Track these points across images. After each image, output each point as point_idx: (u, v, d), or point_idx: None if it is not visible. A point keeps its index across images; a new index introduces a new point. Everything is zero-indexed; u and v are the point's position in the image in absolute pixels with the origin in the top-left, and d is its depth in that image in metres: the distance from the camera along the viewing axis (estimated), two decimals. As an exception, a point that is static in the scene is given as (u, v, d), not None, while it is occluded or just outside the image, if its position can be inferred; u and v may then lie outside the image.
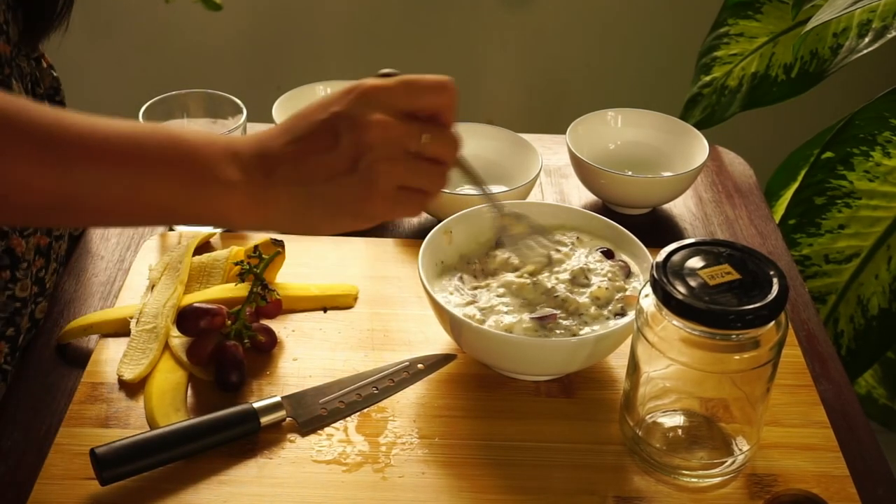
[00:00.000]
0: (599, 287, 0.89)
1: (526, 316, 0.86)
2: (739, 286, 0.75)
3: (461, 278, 0.91)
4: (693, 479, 0.81)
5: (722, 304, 0.74)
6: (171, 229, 1.06)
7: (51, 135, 0.67)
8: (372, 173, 0.71)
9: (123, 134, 0.70)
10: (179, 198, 0.71)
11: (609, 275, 0.90)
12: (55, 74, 1.02)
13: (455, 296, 0.90)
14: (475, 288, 0.90)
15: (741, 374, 0.78)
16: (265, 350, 0.91)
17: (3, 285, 0.88)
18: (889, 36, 1.43)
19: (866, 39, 1.47)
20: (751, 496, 0.80)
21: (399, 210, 0.75)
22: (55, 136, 0.67)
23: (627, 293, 0.89)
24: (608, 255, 0.93)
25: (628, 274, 0.91)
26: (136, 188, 0.69)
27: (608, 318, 0.87)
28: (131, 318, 0.92)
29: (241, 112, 1.07)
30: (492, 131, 1.15)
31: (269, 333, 0.91)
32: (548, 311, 0.87)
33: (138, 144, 0.70)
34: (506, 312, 0.87)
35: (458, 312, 0.86)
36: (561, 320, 0.87)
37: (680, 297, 0.74)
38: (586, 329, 0.86)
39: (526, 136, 1.15)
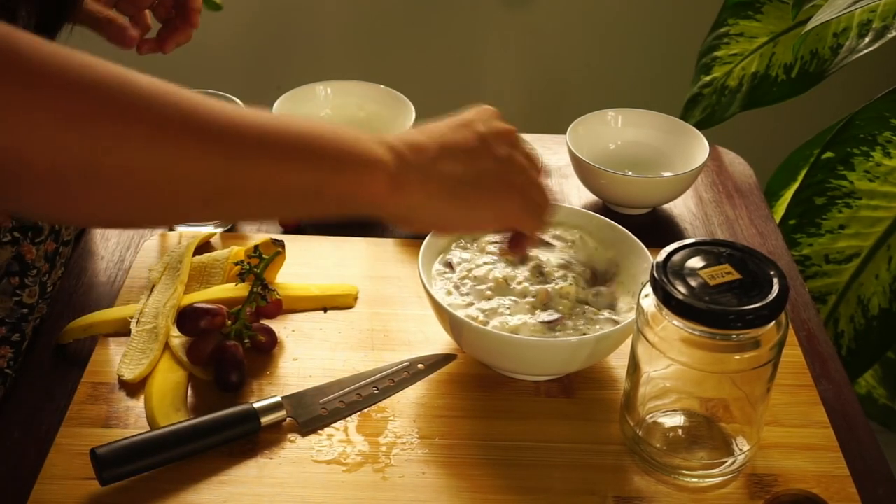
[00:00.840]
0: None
1: (532, 319, 0.86)
2: (740, 286, 0.75)
3: (448, 264, 0.92)
4: (693, 479, 0.81)
5: (722, 304, 0.74)
6: (172, 230, 1.06)
7: (215, 125, 0.65)
8: (512, 164, 0.78)
9: (268, 122, 0.68)
10: (327, 179, 0.69)
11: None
12: None
13: (454, 296, 0.89)
14: (465, 277, 0.91)
15: (741, 374, 0.78)
16: (265, 350, 0.91)
17: (12, 291, 0.89)
18: (889, 36, 1.43)
19: (866, 39, 1.47)
20: (751, 496, 0.80)
21: (529, 210, 0.79)
22: (220, 125, 0.65)
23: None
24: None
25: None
26: (284, 171, 0.67)
27: (614, 319, 0.87)
28: (131, 318, 0.92)
29: None
30: (492, 131, 1.15)
31: (270, 333, 0.91)
32: (555, 314, 0.87)
33: (283, 129, 0.68)
34: (508, 314, 0.87)
35: (461, 314, 0.86)
36: (566, 321, 0.87)
37: (680, 297, 0.74)
38: (594, 328, 0.86)
39: (526, 136, 1.14)
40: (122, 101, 0.61)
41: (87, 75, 0.60)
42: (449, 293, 0.90)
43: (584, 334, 0.85)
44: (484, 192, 0.76)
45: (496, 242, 0.93)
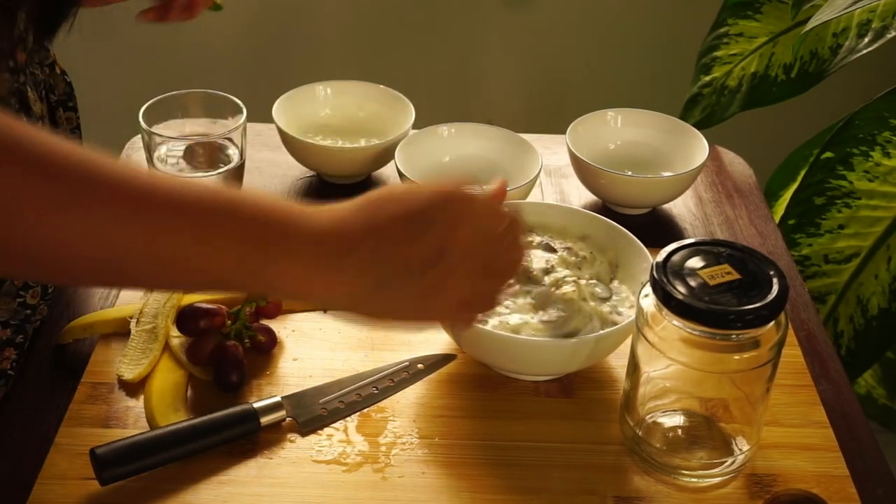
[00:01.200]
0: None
1: (534, 318, 0.86)
2: (739, 286, 0.75)
3: None
4: (693, 479, 0.81)
5: (722, 304, 0.74)
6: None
7: (118, 188, 0.62)
8: (444, 281, 0.71)
9: (189, 190, 0.64)
10: (239, 261, 0.65)
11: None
12: (68, 80, 1.02)
13: None
14: None
15: (741, 374, 0.78)
16: (265, 350, 0.91)
17: (15, 293, 0.88)
18: (889, 36, 1.43)
19: (866, 39, 1.47)
20: (751, 496, 0.80)
21: (464, 315, 0.77)
22: (122, 190, 0.62)
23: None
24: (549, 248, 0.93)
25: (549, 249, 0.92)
26: (201, 249, 0.64)
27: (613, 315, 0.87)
28: (131, 318, 0.92)
29: (241, 112, 1.07)
30: (492, 131, 1.15)
31: (269, 333, 0.91)
32: (555, 314, 0.87)
33: (206, 205, 0.64)
34: (508, 313, 0.87)
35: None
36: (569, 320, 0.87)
37: (680, 297, 0.74)
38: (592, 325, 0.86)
39: (526, 136, 1.15)
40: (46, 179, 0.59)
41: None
42: None
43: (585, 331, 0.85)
44: (410, 298, 0.71)
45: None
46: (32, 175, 0.59)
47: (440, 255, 0.70)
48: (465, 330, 0.80)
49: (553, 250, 0.93)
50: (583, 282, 0.89)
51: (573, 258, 0.92)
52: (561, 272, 0.90)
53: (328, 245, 0.67)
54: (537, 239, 0.93)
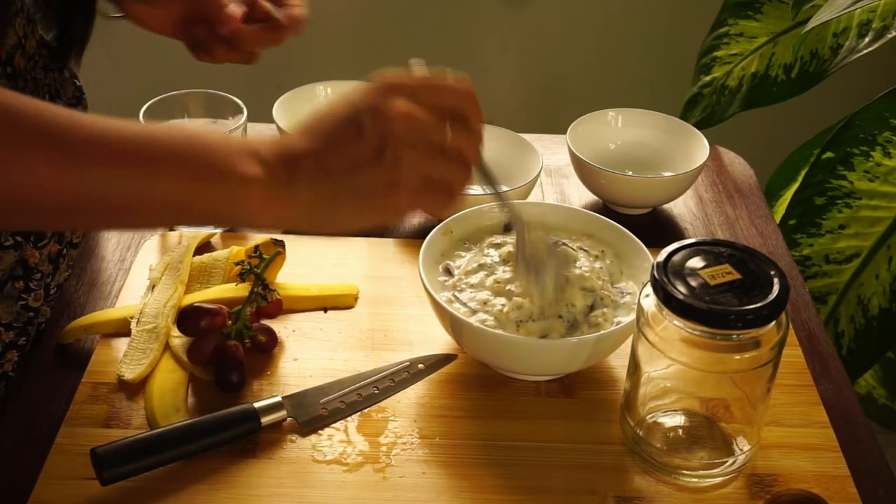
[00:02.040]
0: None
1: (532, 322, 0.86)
2: (740, 286, 0.75)
3: (447, 268, 0.92)
4: (693, 479, 0.81)
5: (722, 304, 0.74)
6: (172, 230, 1.06)
7: (63, 135, 0.66)
8: (397, 162, 0.70)
9: (137, 132, 0.69)
10: (195, 194, 0.69)
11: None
12: (78, 83, 1.02)
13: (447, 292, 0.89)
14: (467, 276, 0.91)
15: (742, 374, 0.78)
16: (266, 350, 0.91)
17: (17, 295, 0.88)
18: (889, 36, 1.43)
19: (866, 39, 1.47)
20: (751, 496, 0.80)
21: (425, 203, 0.73)
22: (68, 136, 0.66)
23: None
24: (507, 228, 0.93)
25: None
26: (151, 185, 0.68)
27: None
28: (132, 318, 0.92)
29: (241, 112, 1.07)
30: (492, 131, 1.14)
31: (270, 333, 0.91)
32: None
33: (153, 142, 0.69)
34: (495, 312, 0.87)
35: (456, 311, 0.86)
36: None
37: (680, 297, 0.74)
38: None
39: (526, 136, 1.15)
40: None
41: None
42: (451, 301, 0.89)
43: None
44: (366, 197, 0.71)
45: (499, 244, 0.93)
46: None
47: (385, 137, 0.70)
48: (440, 216, 0.77)
49: (569, 248, 0.93)
50: (601, 282, 0.89)
51: (594, 255, 0.92)
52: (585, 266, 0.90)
53: (277, 167, 0.70)
54: (551, 239, 0.93)
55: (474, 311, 0.87)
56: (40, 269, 0.90)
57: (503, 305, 0.87)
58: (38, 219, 0.72)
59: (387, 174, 0.70)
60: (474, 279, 0.90)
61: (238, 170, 0.69)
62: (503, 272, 0.90)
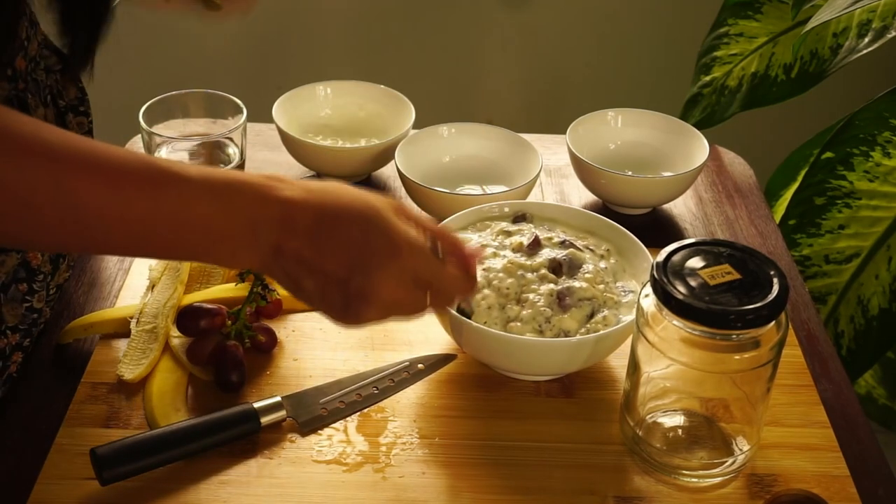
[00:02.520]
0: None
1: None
2: (740, 286, 0.75)
3: None
4: (693, 479, 0.81)
5: (722, 304, 0.74)
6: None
7: (61, 165, 0.67)
8: (355, 316, 0.75)
9: (141, 174, 0.69)
10: (187, 248, 0.72)
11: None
12: (80, 85, 1.02)
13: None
14: None
15: (741, 374, 0.78)
16: (265, 350, 0.91)
17: (21, 298, 0.88)
18: (889, 36, 1.43)
19: (866, 39, 1.47)
20: (751, 496, 0.80)
21: (384, 318, 0.77)
22: (64, 164, 0.67)
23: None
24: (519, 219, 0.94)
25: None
26: (141, 246, 0.72)
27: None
28: (131, 318, 0.92)
29: (241, 112, 1.07)
30: (492, 131, 1.15)
31: (270, 333, 0.91)
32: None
33: (156, 189, 0.69)
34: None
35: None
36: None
37: (680, 297, 0.74)
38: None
39: (526, 136, 1.15)
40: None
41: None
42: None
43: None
44: (327, 309, 0.76)
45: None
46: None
47: (354, 301, 0.73)
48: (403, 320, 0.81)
49: (577, 248, 0.92)
50: (603, 286, 0.89)
51: (600, 254, 0.92)
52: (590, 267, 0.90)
53: (269, 246, 0.72)
54: (559, 237, 0.93)
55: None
56: (42, 271, 0.90)
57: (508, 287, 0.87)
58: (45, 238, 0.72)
59: (344, 313, 0.75)
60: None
61: (232, 240, 0.71)
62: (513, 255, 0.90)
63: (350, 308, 0.74)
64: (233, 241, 0.71)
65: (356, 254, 0.73)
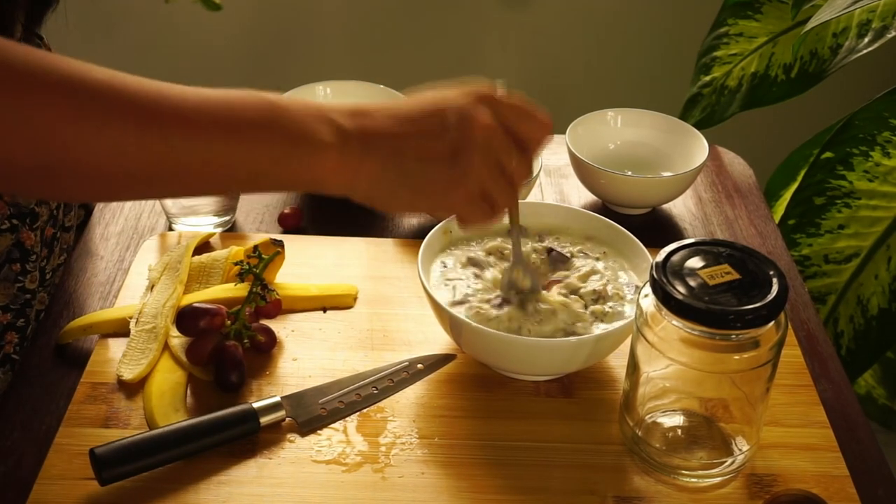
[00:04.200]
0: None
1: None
2: (739, 286, 0.75)
3: (443, 264, 0.92)
4: (693, 479, 0.81)
5: (722, 304, 0.74)
6: (172, 227, 1.06)
7: (146, 103, 0.67)
8: (468, 167, 0.74)
9: (217, 99, 0.70)
10: (272, 160, 0.71)
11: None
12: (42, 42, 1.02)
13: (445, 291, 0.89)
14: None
15: (741, 374, 0.78)
16: (265, 350, 0.91)
17: (14, 278, 0.89)
18: (889, 36, 1.43)
19: (866, 39, 1.47)
20: (750, 496, 0.80)
21: (473, 212, 0.77)
22: (151, 104, 0.67)
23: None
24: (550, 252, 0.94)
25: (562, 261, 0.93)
26: (230, 151, 0.70)
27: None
28: (131, 318, 0.92)
29: None
30: (491, 131, 1.15)
31: (269, 333, 0.91)
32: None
33: (231, 108, 0.70)
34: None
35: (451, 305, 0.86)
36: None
37: (680, 297, 0.74)
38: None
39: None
40: (75, 99, 0.65)
41: (47, 77, 0.64)
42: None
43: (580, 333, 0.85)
44: (427, 189, 0.75)
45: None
46: (61, 96, 0.65)
47: (465, 142, 0.74)
48: (474, 227, 0.81)
49: (565, 258, 0.93)
50: (611, 286, 0.90)
51: (597, 257, 0.93)
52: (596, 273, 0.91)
53: (353, 138, 0.72)
54: (544, 245, 0.94)
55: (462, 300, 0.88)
56: (35, 251, 0.91)
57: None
58: (124, 188, 0.73)
59: (454, 174, 0.74)
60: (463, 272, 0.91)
61: (316, 137, 0.71)
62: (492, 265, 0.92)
63: (460, 159, 0.74)
64: (315, 143, 0.71)
65: (441, 104, 0.74)
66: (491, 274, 0.91)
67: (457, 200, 0.76)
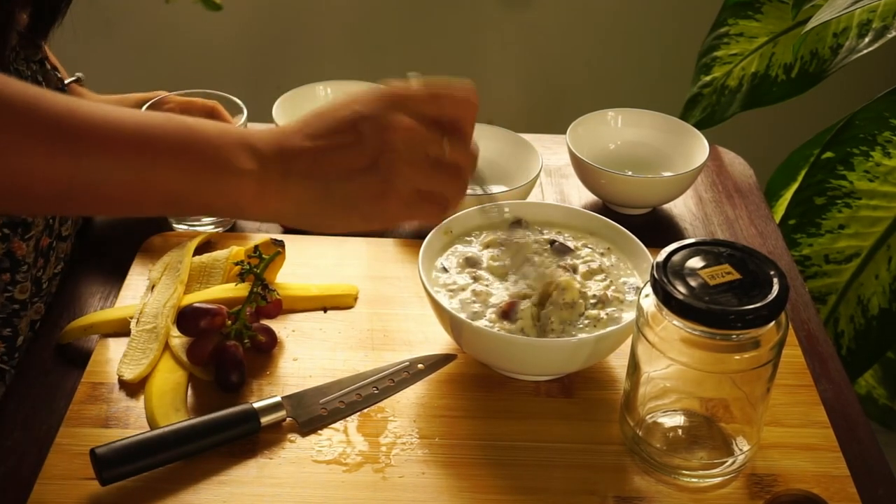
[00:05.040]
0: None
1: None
2: (740, 286, 0.75)
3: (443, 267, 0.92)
4: (693, 480, 0.81)
5: (722, 304, 0.74)
6: (172, 227, 1.06)
7: (62, 123, 0.66)
8: (391, 173, 0.72)
9: (135, 122, 0.69)
10: (190, 185, 0.70)
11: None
12: (59, 76, 1.02)
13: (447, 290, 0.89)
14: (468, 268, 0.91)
15: (741, 374, 0.78)
16: (265, 350, 0.91)
17: (3, 287, 0.89)
18: (889, 36, 1.43)
19: (866, 39, 1.47)
20: (751, 496, 0.80)
21: (415, 214, 0.75)
22: (64, 123, 0.66)
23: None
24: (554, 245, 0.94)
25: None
26: (148, 176, 0.69)
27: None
28: (131, 318, 0.92)
29: (241, 112, 1.07)
30: (492, 131, 1.15)
31: (270, 333, 0.91)
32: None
33: (150, 132, 0.69)
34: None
35: (454, 304, 0.86)
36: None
37: (680, 297, 0.74)
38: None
39: (526, 136, 1.15)
40: None
41: None
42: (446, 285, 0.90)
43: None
44: (356, 203, 0.73)
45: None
46: None
47: (383, 147, 0.71)
48: (433, 224, 0.78)
49: (569, 249, 0.93)
50: (612, 289, 0.90)
51: (600, 254, 0.93)
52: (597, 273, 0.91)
53: (272, 162, 0.71)
54: (548, 237, 0.94)
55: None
56: (27, 262, 0.90)
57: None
58: (33, 205, 0.72)
59: (379, 184, 0.72)
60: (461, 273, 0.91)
61: (233, 163, 0.70)
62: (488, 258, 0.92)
63: (381, 167, 0.71)
64: (234, 171, 0.70)
65: (353, 114, 0.72)
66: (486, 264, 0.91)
67: (391, 209, 0.73)
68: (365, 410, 0.86)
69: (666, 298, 0.75)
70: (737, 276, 0.76)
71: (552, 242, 0.94)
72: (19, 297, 0.90)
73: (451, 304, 0.87)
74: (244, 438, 0.82)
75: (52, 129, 0.66)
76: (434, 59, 2.13)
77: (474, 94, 0.75)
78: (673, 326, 0.76)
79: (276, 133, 0.73)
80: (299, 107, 1.18)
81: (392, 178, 0.72)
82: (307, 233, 1.06)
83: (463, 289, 0.89)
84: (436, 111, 0.74)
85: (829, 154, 1.40)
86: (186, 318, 0.89)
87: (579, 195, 1.16)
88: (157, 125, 0.70)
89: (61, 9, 0.93)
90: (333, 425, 0.84)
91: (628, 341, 0.83)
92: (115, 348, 0.91)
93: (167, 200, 0.72)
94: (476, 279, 0.90)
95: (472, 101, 0.75)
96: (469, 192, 0.77)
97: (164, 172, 0.69)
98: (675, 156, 1.16)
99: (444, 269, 0.92)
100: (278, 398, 0.84)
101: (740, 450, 0.81)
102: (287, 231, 1.07)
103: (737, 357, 0.76)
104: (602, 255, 0.93)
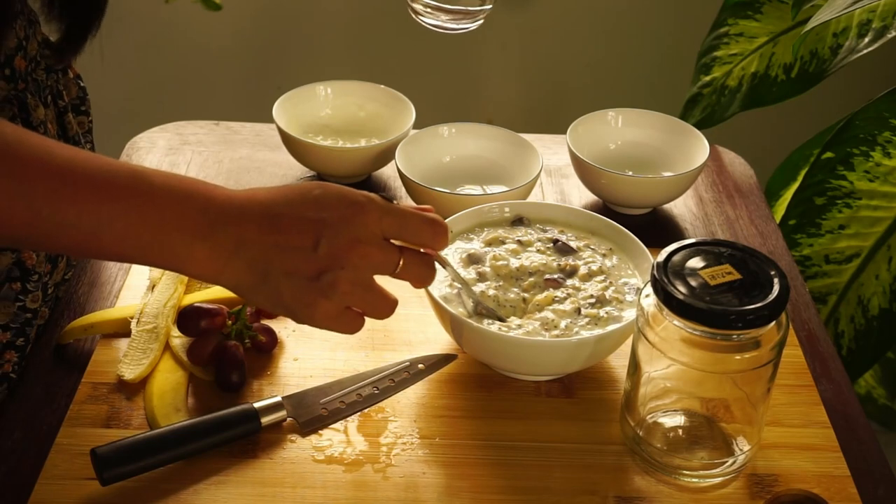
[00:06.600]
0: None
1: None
2: (740, 286, 0.75)
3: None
4: (694, 480, 0.81)
5: (723, 304, 0.74)
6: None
7: (21, 169, 0.68)
8: (330, 289, 0.74)
9: (96, 175, 0.70)
10: (141, 246, 0.72)
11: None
12: (82, 84, 1.02)
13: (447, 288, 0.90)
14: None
15: (742, 374, 0.78)
16: (266, 350, 0.91)
17: (14, 297, 0.88)
18: (889, 36, 1.43)
19: (866, 39, 1.47)
20: (751, 496, 0.80)
21: (338, 325, 0.77)
22: (24, 170, 0.68)
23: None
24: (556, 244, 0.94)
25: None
26: (101, 231, 0.71)
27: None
28: (132, 318, 0.92)
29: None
30: (492, 131, 1.15)
31: (270, 333, 0.91)
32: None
33: (110, 187, 0.71)
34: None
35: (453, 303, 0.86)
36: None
37: (681, 297, 0.74)
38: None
39: (526, 136, 1.15)
40: None
41: None
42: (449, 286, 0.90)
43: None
44: (287, 300, 0.75)
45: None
46: None
47: (327, 268, 0.74)
48: (348, 332, 0.79)
49: (571, 251, 0.93)
50: (615, 285, 0.90)
51: (602, 254, 0.93)
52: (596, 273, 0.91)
53: (224, 235, 0.73)
54: (551, 235, 0.94)
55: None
56: (38, 271, 0.90)
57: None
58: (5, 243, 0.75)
59: (314, 294, 0.75)
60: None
61: (185, 227, 0.72)
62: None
63: (324, 279, 0.74)
64: (187, 233, 0.72)
65: (317, 219, 0.73)
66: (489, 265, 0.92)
67: (316, 316, 0.76)
68: (365, 410, 0.86)
69: (666, 298, 0.75)
70: (737, 276, 0.76)
71: (555, 241, 0.94)
72: (31, 306, 0.90)
73: (451, 304, 0.87)
74: (244, 438, 0.82)
75: (10, 172, 0.68)
76: (434, 59, 2.13)
77: (444, 226, 0.79)
78: (673, 326, 0.76)
79: (236, 202, 0.74)
80: (299, 107, 1.18)
81: (329, 293, 0.74)
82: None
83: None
84: (400, 235, 0.77)
85: (829, 154, 1.40)
86: (187, 318, 0.89)
87: (579, 195, 1.16)
88: (119, 179, 0.71)
89: (92, 29, 0.94)
90: (334, 425, 0.84)
91: (629, 341, 0.83)
92: (116, 348, 0.91)
93: (119, 255, 0.74)
94: (481, 276, 0.90)
95: (440, 230, 0.78)
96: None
97: (117, 231, 0.71)
98: (676, 156, 1.16)
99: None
100: (279, 398, 0.84)
101: (741, 450, 0.81)
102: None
103: (737, 357, 0.76)
104: (604, 256, 0.93)
